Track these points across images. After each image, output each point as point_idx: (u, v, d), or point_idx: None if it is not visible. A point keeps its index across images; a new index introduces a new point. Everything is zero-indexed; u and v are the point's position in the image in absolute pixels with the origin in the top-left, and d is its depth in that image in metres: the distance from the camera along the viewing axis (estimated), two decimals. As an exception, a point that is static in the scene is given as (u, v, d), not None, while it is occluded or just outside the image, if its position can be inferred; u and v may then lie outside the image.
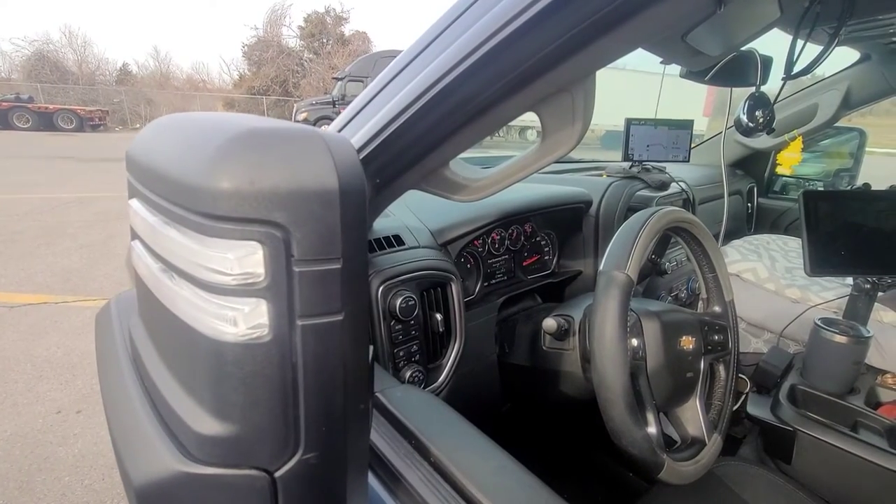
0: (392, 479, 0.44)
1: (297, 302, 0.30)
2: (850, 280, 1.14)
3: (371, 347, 0.37)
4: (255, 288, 0.29)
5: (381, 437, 0.49)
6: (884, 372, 1.09)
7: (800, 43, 0.87)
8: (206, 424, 0.32)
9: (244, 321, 0.29)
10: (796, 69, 0.86)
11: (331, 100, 12.08)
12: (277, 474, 0.33)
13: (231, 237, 0.28)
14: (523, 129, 15.04)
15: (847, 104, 1.56)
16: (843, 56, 1.52)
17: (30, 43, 21.41)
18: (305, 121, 11.99)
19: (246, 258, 0.28)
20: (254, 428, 0.32)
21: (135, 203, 0.39)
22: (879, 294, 1.07)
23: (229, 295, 0.29)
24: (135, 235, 0.40)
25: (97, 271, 3.33)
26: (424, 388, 0.81)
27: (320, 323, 0.30)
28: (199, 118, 0.34)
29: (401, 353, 0.77)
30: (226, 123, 0.31)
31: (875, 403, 1.04)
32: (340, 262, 0.30)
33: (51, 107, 15.32)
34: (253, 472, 0.32)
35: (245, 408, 0.31)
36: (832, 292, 1.27)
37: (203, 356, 0.31)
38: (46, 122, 14.64)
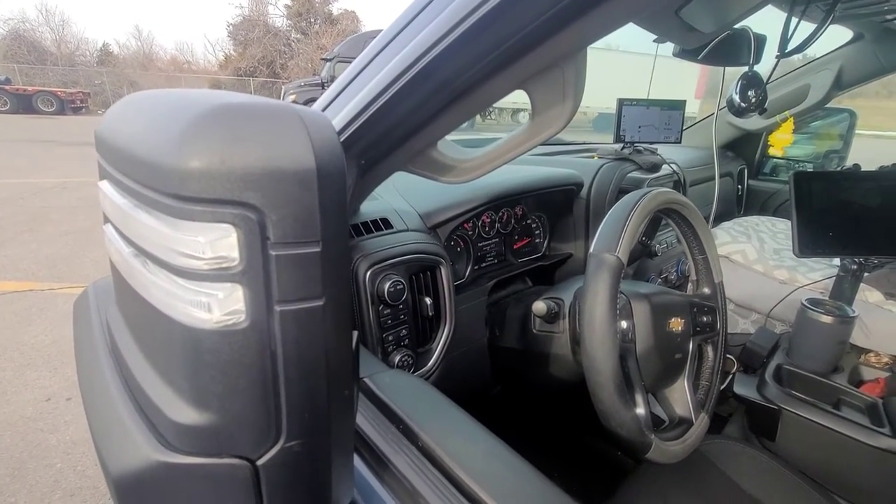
0: (379, 464, 0.44)
1: (275, 287, 0.28)
2: (837, 261, 1.16)
3: (355, 333, 0.36)
4: (230, 273, 0.28)
5: (368, 422, 0.48)
6: (867, 351, 1.11)
7: (793, 21, 0.86)
8: (185, 413, 0.31)
9: (219, 307, 0.28)
10: (790, 47, 0.84)
11: (320, 81, 11.81)
12: (259, 462, 0.32)
13: (202, 219, 0.27)
14: (515, 112, 14.87)
15: (839, 84, 1.55)
16: (835, 36, 1.51)
17: (4, 21, 20.63)
18: (294, 103, 11.73)
19: (218, 241, 0.27)
20: (233, 417, 0.31)
21: (105, 185, 0.37)
22: (865, 275, 1.08)
23: (203, 280, 0.28)
24: (106, 219, 0.39)
25: (83, 258, 3.27)
26: (414, 372, 0.81)
27: (300, 308, 0.29)
28: (170, 94, 0.32)
29: (389, 338, 0.76)
30: (196, 99, 0.29)
31: (858, 381, 1.06)
32: (320, 246, 0.29)
33: (29, 89, 14.83)
34: (234, 460, 0.31)
35: (224, 397, 0.30)
36: (819, 273, 1.28)
37: (179, 344, 0.30)
38: (25, 104, 14.20)
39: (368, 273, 0.72)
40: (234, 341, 0.29)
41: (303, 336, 0.30)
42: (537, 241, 1.21)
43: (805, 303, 1.00)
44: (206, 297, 0.28)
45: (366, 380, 0.55)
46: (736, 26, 0.95)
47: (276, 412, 0.31)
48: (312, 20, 22.51)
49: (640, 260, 1.35)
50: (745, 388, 1.05)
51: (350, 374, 0.35)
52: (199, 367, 0.30)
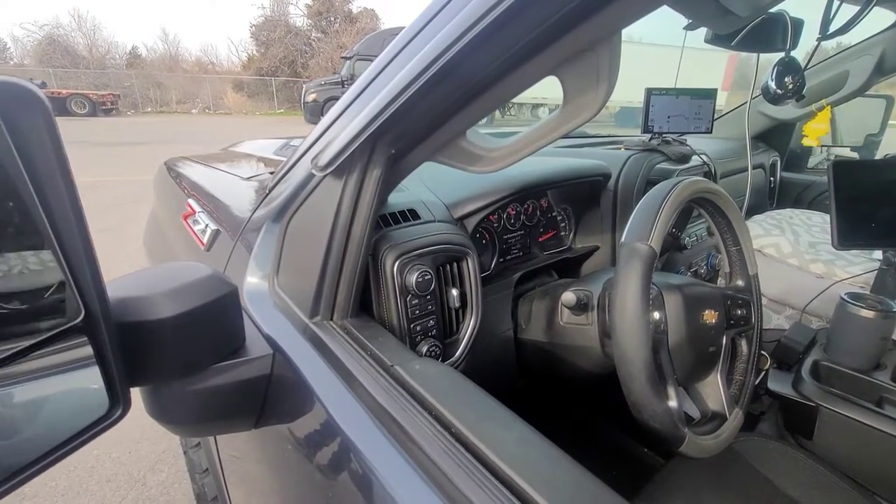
0: (412, 451, 0.44)
1: None
2: (878, 254, 1.11)
3: None
4: None
5: (402, 409, 0.48)
6: (912, 348, 1.06)
7: (834, 4, 0.82)
8: None
9: None
10: (832, 29, 0.81)
11: (340, 80, 11.92)
12: None
13: None
14: (535, 107, 14.73)
15: (881, 70, 1.48)
16: (876, 20, 1.44)
17: (40, 27, 21.50)
18: (315, 102, 11.86)
19: None
20: None
21: None
22: (910, 268, 1.03)
23: None
24: None
25: (117, 254, 3.39)
26: (442, 362, 0.81)
27: None
28: None
29: (417, 328, 0.76)
30: None
31: (902, 379, 1.02)
32: None
33: (63, 91, 15.43)
34: None
35: None
36: (859, 267, 1.23)
37: None
38: (59, 107, 14.78)
39: (396, 263, 0.72)
40: None
41: None
42: (562, 233, 1.20)
43: (844, 297, 0.96)
44: None
45: (396, 367, 0.55)
46: (771, 10, 0.92)
47: None
48: (332, 19, 22.75)
49: (669, 253, 1.33)
50: (780, 384, 1.02)
51: None
52: None
